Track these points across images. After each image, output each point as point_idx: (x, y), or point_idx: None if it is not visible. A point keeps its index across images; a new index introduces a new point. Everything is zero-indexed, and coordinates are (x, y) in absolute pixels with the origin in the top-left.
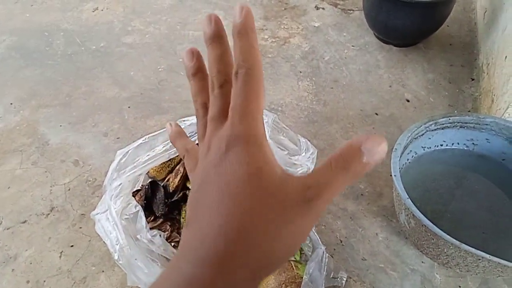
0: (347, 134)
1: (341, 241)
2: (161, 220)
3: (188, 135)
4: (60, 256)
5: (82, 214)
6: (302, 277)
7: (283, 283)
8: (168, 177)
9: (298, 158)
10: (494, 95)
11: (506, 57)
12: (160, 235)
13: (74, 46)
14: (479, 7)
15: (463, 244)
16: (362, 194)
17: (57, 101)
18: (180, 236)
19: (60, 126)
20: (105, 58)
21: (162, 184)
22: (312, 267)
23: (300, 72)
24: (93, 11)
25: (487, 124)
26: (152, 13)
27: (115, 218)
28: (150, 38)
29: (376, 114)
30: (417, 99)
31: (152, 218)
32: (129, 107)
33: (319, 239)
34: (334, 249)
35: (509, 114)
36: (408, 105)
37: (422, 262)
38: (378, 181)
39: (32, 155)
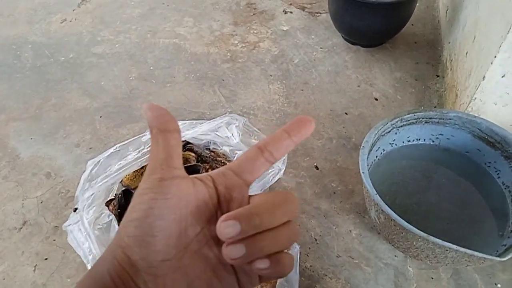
0: (318, 134)
1: (315, 240)
2: None
3: None
4: (34, 270)
5: (56, 227)
6: None
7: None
8: None
9: None
10: (458, 90)
11: (466, 52)
12: None
13: (43, 58)
14: (441, 5)
15: (431, 236)
16: (334, 192)
17: (27, 114)
18: None
19: (31, 139)
20: (75, 69)
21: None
22: None
23: (271, 75)
24: (61, 23)
25: (450, 119)
26: (122, 22)
27: (87, 228)
28: (120, 48)
29: (346, 113)
30: (385, 97)
31: None
32: (100, 117)
33: None
34: (309, 248)
35: (471, 108)
36: (377, 103)
37: (395, 256)
38: (350, 179)
39: (3, 169)
